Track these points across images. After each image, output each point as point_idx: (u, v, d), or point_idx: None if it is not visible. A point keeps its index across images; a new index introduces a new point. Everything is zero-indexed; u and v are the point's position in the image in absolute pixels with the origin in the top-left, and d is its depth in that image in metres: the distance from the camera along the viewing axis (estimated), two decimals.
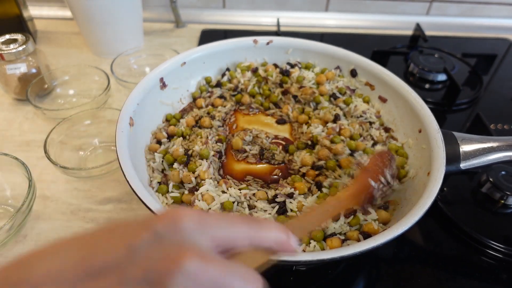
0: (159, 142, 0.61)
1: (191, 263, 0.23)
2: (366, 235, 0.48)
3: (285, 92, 0.69)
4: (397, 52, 0.99)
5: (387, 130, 0.64)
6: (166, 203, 0.52)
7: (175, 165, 0.55)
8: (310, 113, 0.66)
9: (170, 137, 0.61)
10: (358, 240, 0.47)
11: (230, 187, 0.52)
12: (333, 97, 0.68)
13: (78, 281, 0.23)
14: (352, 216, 0.49)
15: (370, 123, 0.64)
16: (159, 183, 0.54)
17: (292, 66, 0.72)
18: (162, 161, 0.57)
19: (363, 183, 0.44)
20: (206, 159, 0.55)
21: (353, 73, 0.70)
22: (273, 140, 0.61)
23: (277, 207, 0.50)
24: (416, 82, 0.90)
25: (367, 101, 0.69)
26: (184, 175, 0.53)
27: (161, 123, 0.65)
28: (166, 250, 0.24)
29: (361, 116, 0.64)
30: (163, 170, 0.57)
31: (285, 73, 0.70)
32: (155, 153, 0.57)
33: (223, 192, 0.52)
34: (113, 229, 0.26)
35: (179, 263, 0.23)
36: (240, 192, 0.51)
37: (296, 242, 0.31)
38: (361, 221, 0.49)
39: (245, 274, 0.27)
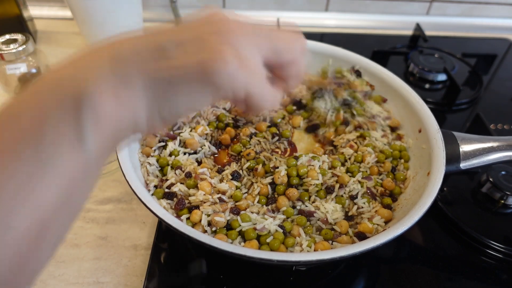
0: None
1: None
2: (361, 236, 0.48)
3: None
4: (397, 52, 0.99)
5: (393, 129, 0.63)
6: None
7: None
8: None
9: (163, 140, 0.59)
10: (351, 243, 0.47)
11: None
12: (345, 103, 0.65)
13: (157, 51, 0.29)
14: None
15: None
16: (155, 186, 0.53)
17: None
18: (161, 169, 0.56)
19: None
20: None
21: (358, 73, 0.69)
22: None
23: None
24: (416, 82, 0.90)
25: (379, 102, 0.66)
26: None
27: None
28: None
29: (371, 118, 0.63)
30: (157, 176, 0.56)
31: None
32: (149, 158, 0.56)
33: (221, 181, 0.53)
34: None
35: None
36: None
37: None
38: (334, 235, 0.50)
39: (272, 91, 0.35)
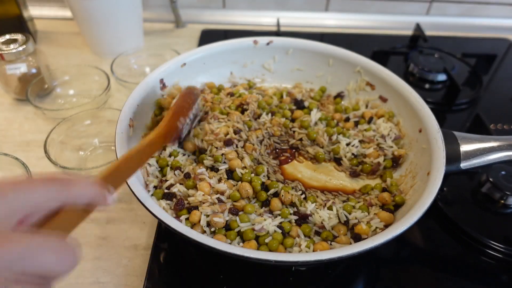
0: None
1: None
2: (357, 237, 0.47)
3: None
4: (397, 52, 0.99)
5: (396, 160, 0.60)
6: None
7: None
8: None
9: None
10: (349, 243, 0.47)
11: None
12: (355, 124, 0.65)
13: None
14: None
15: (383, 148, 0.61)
16: (155, 187, 0.53)
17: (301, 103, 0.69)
18: (160, 170, 0.56)
19: (170, 125, 0.49)
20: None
21: (383, 100, 0.67)
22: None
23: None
24: (416, 82, 0.90)
25: (391, 117, 0.65)
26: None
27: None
28: None
29: (379, 144, 0.61)
30: (156, 176, 0.56)
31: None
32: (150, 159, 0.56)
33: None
34: None
35: None
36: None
37: (112, 195, 0.32)
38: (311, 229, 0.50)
39: (55, 246, 0.25)
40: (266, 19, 1.10)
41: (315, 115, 0.64)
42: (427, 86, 0.90)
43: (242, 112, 0.63)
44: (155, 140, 0.46)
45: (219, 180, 0.53)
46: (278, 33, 1.03)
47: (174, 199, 0.51)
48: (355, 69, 0.70)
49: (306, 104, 0.68)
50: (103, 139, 0.71)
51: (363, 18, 1.11)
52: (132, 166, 0.40)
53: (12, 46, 0.74)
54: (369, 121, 0.64)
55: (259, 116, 0.64)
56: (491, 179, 0.62)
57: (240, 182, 0.53)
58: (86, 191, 0.29)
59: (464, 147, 0.53)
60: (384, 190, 0.56)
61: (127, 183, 0.46)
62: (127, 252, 0.56)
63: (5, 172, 0.60)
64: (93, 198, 0.30)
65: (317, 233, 0.50)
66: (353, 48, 0.72)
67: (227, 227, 0.48)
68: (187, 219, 0.49)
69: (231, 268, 0.53)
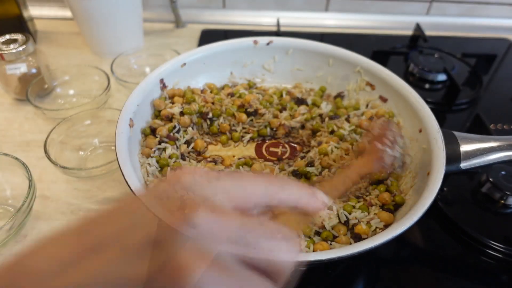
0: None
1: (204, 216, 0.21)
2: (357, 237, 0.47)
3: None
4: (397, 52, 0.99)
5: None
6: None
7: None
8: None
9: (161, 141, 0.60)
10: (349, 243, 0.47)
11: None
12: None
13: (74, 262, 0.22)
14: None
15: None
16: None
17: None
18: (160, 169, 0.56)
19: (372, 149, 0.47)
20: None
21: (383, 100, 0.67)
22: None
23: None
24: (416, 82, 0.90)
25: (391, 117, 0.64)
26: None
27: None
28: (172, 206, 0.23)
29: None
30: (156, 176, 0.56)
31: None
32: (149, 159, 0.57)
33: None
34: (117, 206, 0.25)
35: (190, 216, 0.21)
36: None
37: (324, 196, 0.30)
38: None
39: (280, 231, 0.25)
40: (266, 19, 1.10)
41: (325, 107, 0.65)
42: (427, 86, 0.90)
43: (246, 113, 0.64)
44: (358, 166, 0.45)
45: None
46: (278, 33, 1.03)
47: None
48: (355, 69, 0.70)
49: (308, 101, 0.68)
50: (103, 139, 0.71)
51: (363, 18, 1.11)
52: (339, 187, 0.41)
53: (12, 46, 0.74)
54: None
55: (262, 115, 0.65)
56: (491, 179, 0.62)
57: None
58: (296, 190, 0.28)
59: (464, 147, 0.53)
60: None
61: (126, 182, 0.46)
62: None
63: (5, 172, 0.60)
64: (303, 199, 0.29)
65: (317, 233, 0.50)
66: (353, 48, 0.72)
67: None
68: None
69: None
